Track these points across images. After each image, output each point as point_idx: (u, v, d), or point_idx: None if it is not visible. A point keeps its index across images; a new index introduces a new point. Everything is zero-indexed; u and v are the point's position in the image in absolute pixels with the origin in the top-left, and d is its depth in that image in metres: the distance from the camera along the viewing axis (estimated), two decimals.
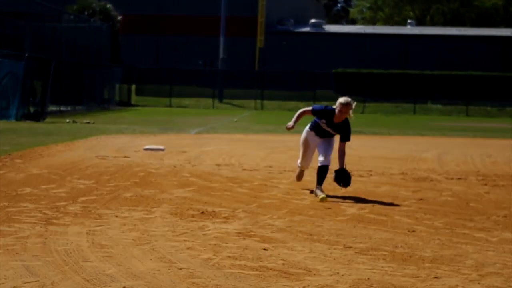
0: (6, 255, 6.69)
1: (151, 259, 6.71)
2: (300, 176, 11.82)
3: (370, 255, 7.14)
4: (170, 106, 55.35)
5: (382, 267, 6.67)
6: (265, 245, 7.42)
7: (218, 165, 14.68)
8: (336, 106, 10.77)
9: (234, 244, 7.45)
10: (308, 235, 8.05)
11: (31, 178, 11.96)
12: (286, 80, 60.94)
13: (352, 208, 9.95)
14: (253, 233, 8.06)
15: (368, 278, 6.23)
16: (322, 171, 10.84)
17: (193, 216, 8.98)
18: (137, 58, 64.20)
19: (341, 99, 10.80)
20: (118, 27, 56.53)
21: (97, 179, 12.04)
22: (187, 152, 17.19)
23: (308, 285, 5.97)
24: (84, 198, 10.07)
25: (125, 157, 15.67)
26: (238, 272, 6.32)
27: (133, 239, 7.56)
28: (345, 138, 10.97)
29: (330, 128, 10.97)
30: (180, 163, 14.86)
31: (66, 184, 11.41)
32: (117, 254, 6.86)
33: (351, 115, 10.92)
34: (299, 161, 11.66)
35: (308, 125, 11.31)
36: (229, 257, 6.87)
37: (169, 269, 6.37)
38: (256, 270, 6.42)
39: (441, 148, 21.02)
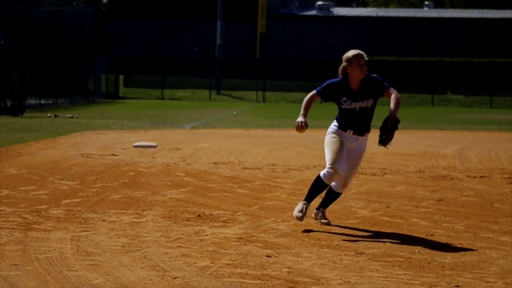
0: None
1: (142, 268, 6.73)
2: (331, 180, 8.76)
3: (385, 261, 7.15)
4: (162, 98, 55.46)
5: (398, 275, 6.69)
6: (269, 252, 7.45)
7: (215, 163, 14.71)
8: (345, 66, 8.71)
9: (234, 250, 7.47)
10: (316, 240, 8.07)
11: (9, 178, 11.98)
12: (290, 69, 61.00)
13: (364, 210, 9.98)
14: (255, 238, 8.09)
15: None
16: (332, 196, 9.13)
17: (188, 219, 9.01)
18: (125, 46, 64.25)
19: (349, 53, 8.73)
20: (104, 11, 56.57)
21: (82, 180, 12.07)
22: (182, 149, 17.22)
23: None
24: (67, 201, 10.08)
25: (112, 155, 15.71)
26: (239, 281, 6.34)
27: (122, 246, 7.58)
28: (384, 88, 8.73)
29: (358, 100, 8.68)
30: (174, 161, 14.89)
31: (47, 185, 11.43)
32: (105, 262, 6.88)
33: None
34: (329, 163, 8.69)
35: (331, 127, 8.96)
36: (229, 264, 6.89)
37: (162, 279, 6.39)
38: (259, 279, 6.45)
39: (462, 143, 21.07)
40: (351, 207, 10.22)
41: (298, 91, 56.68)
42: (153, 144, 17.66)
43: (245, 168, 14.11)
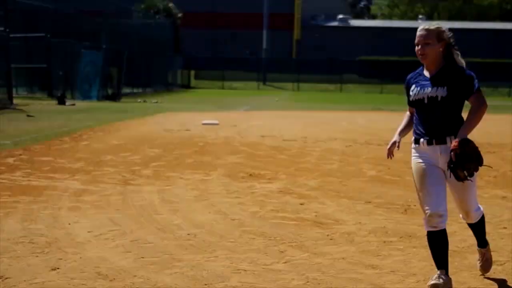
0: (94, 209, 6.90)
1: (209, 212, 6.86)
2: (432, 223, 4.40)
3: (386, 208, 7.21)
4: (223, 88, 55.53)
5: (395, 217, 6.74)
6: (302, 201, 7.53)
7: (262, 136, 14.76)
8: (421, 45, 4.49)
9: (276, 200, 7.57)
10: (336, 192, 8.14)
11: (111, 147, 12.18)
12: (318, 66, 60.72)
13: (372, 171, 9.96)
14: (291, 191, 8.17)
15: (384, 226, 6.33)
16: (473, 229, 4.87)
17: (243, 178, 9.09)
18: (195, 48, 64.47)
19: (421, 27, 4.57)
20: (179, 23, 56.81)
21: (164, 148, 12.21)
22: (237, 126, 17.29)
23: (336, 232, 6.08)
24: (154, 164, 10.24)
25: (187, 130, 15.84)
26: (280, 222, 6.45)
27: (194, 196, 7.72)
28: (469, 88, 4.39)
29: (429, 88, 4.44)
30: (232, 135, 14.96)
31: (139, 152, 11.60)
32: (182, 208, 7.02)
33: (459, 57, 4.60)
34: (422, 207, 4.50)
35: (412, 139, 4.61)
36: (272, 210, 7.00)
37: (224, 220, 6.52)
38: (294, 220, 6.55)
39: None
40: (361, 168, 10.22)
41: (323, 82, 56.63)
42: (216, 122, 17.75)
43: (284, 140, 14.13)
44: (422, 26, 4.55)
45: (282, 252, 5.36)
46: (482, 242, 4.84)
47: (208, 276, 4.68)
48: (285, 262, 5.06)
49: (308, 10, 70.74)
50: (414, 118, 4.60)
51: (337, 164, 10.71)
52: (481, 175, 9.49)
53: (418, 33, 4.51)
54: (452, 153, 4.18)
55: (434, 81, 4.43)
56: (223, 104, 29.65)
